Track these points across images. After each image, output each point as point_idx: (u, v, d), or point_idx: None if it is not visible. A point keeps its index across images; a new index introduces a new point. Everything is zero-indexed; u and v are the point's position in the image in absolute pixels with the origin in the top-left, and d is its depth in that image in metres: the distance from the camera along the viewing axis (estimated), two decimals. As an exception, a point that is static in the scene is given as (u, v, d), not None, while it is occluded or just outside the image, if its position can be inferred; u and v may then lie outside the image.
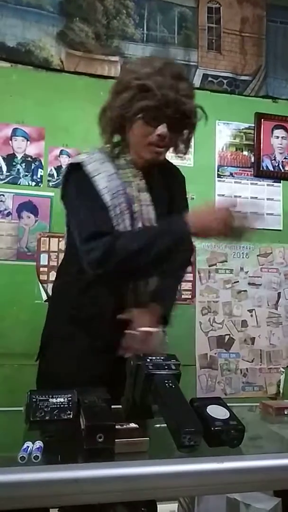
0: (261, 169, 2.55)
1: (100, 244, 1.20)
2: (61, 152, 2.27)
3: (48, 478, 0.77)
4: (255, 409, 1.32)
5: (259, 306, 2.46)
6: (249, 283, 2.46)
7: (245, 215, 1.22)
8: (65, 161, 2.21)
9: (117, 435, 0.86)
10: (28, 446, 0.83)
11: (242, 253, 2.46)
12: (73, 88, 2.29)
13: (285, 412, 1.24)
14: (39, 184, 2.24)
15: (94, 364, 1.29)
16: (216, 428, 0.88)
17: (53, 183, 2.23)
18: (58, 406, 0.98)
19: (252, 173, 2.55)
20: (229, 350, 2.40)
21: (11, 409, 1.16)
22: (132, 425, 0.94)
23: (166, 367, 0.98)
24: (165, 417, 0.90)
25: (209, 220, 1.19)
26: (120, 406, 1.04)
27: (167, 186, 1.42)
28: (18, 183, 2.22)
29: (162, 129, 1.25)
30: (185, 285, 2.35)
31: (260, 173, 2.55)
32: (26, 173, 2.23)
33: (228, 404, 0.96)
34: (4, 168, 2.21)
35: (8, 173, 2.21)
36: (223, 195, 2.47)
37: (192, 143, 1.39)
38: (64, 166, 1.44)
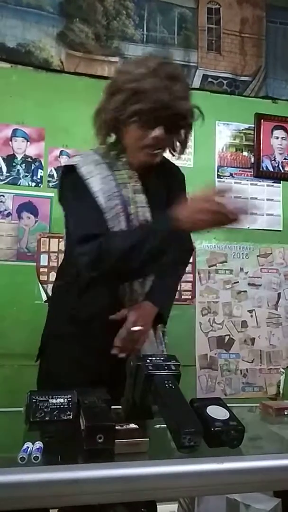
0: (261, 169, 2.55)
1: (92, 247, 1.20)
2: (61, 153, 2.28)
3: (48, 478, 0.76)
4: (255, 409, 1.32)
5: (259, 307, 2.46)
6: (249, 284, 2.46)
7: (235, 200, 1.18)
8: (65, 161, 2.21)
9: (117, 436, 0.86)
10: (28, 447, 0.83)
11: (242, 253, 2.46)
12: (73, 88, 2.29)
13: (285, 413, 1.24)
14: (39, 184, 2.24)
15: (94, 364, 1.29)
16: (216, 429, 0.88)
17: (53, 183, 2.23)
18: (58, 406, 0.98)
19: (252, 173, 2.55)
20: (229, 350, 2.40)
21: (11, 409, 1.16)
22: (132, 425, 0.94)
23: (166, 367, 0.98)
24: (165, 418, 0.90)
25: (197, 212, 1.12)
26: (120, 407, 1.04)
27: (166, 185, 1.41)
28: (18, 183, 2.22)
29: (157, 132, 1.23)
30: (185, 286, 2.34)
31: (260, 174, 2.55)
32: (26, 174, 2.23)
33: (228, 405, 0.96)
34: (4, 169, 2.21)
35: (8, 174, 2.21)
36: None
37: (191, 143, 1.38)
38: (62, 168, 1.44)
